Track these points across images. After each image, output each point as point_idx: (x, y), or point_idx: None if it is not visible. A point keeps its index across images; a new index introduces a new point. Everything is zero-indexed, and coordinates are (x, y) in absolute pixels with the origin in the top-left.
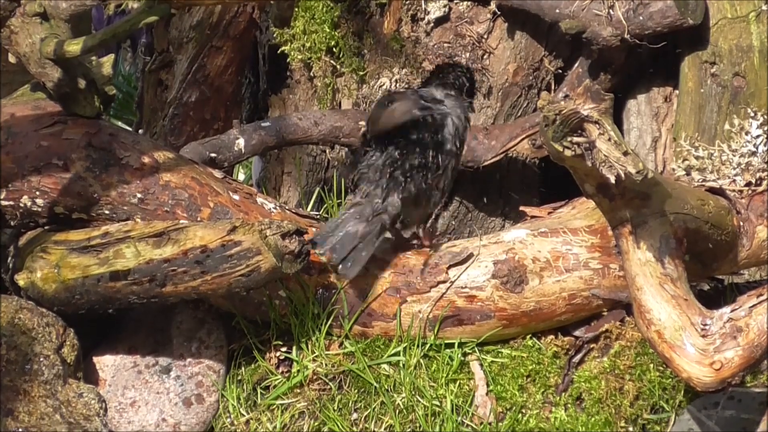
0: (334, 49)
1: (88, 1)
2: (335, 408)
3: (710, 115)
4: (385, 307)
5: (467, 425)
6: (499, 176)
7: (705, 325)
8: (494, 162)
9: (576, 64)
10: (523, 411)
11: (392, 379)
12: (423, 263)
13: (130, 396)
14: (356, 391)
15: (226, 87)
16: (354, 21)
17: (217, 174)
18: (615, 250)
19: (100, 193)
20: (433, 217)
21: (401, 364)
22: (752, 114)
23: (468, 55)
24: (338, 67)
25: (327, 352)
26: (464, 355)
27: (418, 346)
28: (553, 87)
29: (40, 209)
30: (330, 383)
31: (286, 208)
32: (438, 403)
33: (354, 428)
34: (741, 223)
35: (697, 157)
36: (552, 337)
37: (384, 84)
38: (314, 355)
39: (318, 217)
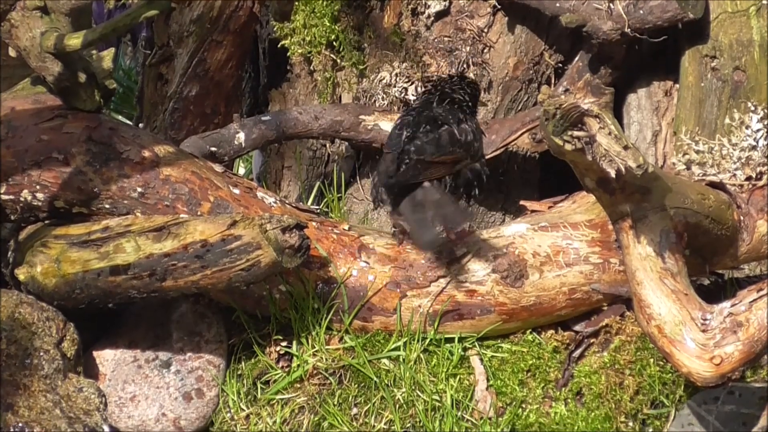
0: (334, 43)
1: None
2: (335, 403)
3: (710, 110)
4: (385, 301)
5: (467, 420)
6: (500, 171)
7: (705, 319)
8: (494, 156)
9: (576, 58)
10: (523, 406)
11: (392, 374)
12: (423, 257)
13: (130, 390)
14: (356, 385)
15: (227, 81)
16: (354, 15)
17: (218, 168)
18: (615, 245)
19: (101, 187)
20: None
21: (401, 359)
22: (752, 108)
23: (468, 49)
24: (338, 61)
25: (327, 347)
26: (464, 349)
27: (418, 340)
28: (553, 81)
29: (40, 203)
30: (330, 378)
31: (287, 202)
32: (438, 398)
33: (354, 423)
34: (741, 218)
35: (697, 152)
36: (552, 331)
37: (384, 78)
38: (314, 349)
39: (318, 211)
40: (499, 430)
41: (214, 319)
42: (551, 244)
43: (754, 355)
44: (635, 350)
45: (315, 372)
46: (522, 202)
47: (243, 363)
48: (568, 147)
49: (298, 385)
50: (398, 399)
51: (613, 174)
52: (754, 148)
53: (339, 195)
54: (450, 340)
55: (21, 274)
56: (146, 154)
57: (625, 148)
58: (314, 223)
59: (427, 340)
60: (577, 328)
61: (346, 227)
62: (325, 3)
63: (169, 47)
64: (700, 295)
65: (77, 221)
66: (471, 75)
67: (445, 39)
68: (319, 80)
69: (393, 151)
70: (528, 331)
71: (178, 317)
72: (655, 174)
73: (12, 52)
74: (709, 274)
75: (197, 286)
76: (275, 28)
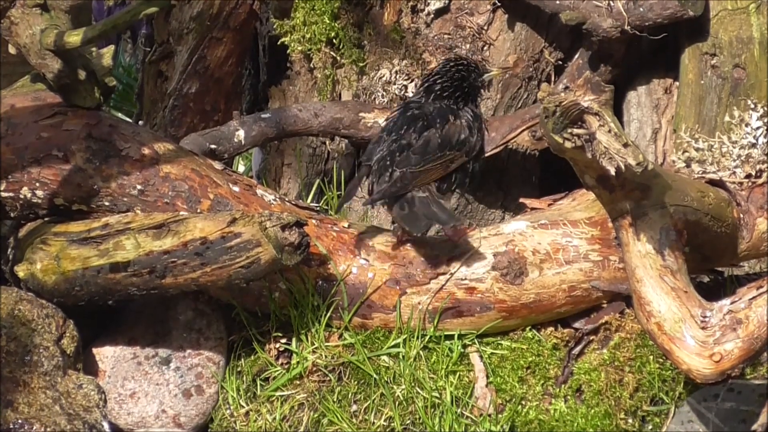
0: (334, 41)
1: None
2: (335, 399)
3: (710, 107)
4: (385, 298)
5: (467, 417)
6: (499, 168)
7: (705, 317)
8: (494, 154)
9: (576, 56)
10: (523, 403)
11: (392, 371)
12: (423, 255)
13: (129, 387)
14: (356, 382)
15: (227, 78)
16: (354, 12)
17: (217, 165)
18: (615, 242)
19: (100, 184)
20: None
21: (401, 356)
22: (752, 106)
23: (468, 46)
24: (338, 58)
25: (327, 344)
26: (464, 346)
27: (417, 337)
28: (553, 78)
29: (40, 201)
30: (330, 375)
31: (286, 199)
32: (438, 395)
33: (353, 420)
34: (741, 215)
35: (697, 149)
36: (552, 329)
37: (384, 75)
38: (314, 346)
39: (318, 208)
40: (498, 427)
41: (214, 317)
42: (551, 242)
43: (753, 353)
44: (635, 347)
45: (315, 369)
46: (522, 200)
47: (243, 360)
48: (568, 144)
49: (298, 382)
50: (398, 396)
51: (612, 171)
52: (753, 145)
53: (339, 192)
54: (450, 337)
55: (21, 271)
56: (146, 151)
57: (625, 145)
58: (314, 221)
59: (427, 337)
60: (576, 325)
61: (346, 225)
62: (325, 0)
63: (169, 44)
64: (699, 293)
65: (77, 218)
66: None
67: (445, 36)
68: (318, 77)
69: (365, 164)
70: (528, 329)
71: (177, 314)
72: (654, 171)
73: (12, 50)
74: (708, 271)
75: (197, 284)
76: (275, 26)
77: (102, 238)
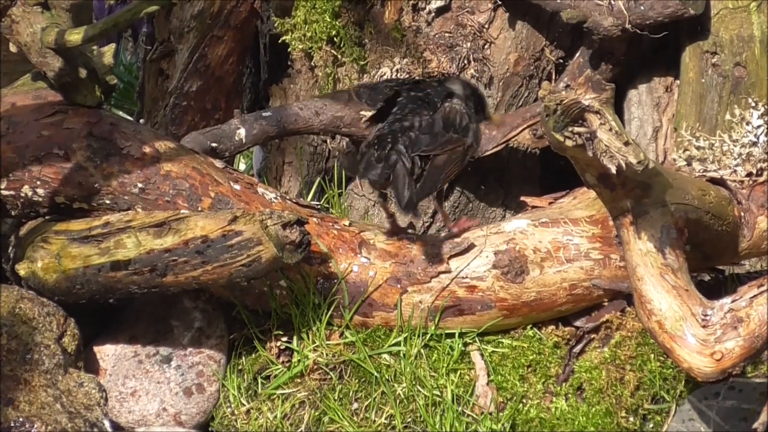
0: (335, 39)
1: None
2: (336, 398)
3: (711, 105)
4: (386, 297)
5: (468, 415)
6: (500, 166)
7: (706, 315)
8: (495, 152)
9: (577, 54)
10: (524, 401)
11: (393, 369)
12: (424, 253)
13: (130, 385)
14: (357, 380)
15: (227, 77)
16: (355, 10)
17: (218, 164)
18: (616, 241)
19: (101, 182)
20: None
21: (402, 354)
22: (753, 104)
23: (469, 45)
24: (339, 56)
25: (328, 342)
26: (465, 345)
27: (418, 336)
28: (554, 77)
29: (40, 199)
30: (331, 373)
31: (287, 198)
32: (438, 393)
33: (354, 418)
34: (742, 214)
35: (698, 148)
36: (553, 327)
37: (385, 74)
38: (315, 345)
39: (319, 207)
40: (499, 425)
41: (215, 315)
42: (552, 240)
43: (754, 351)
44: (636, 346)
45: (315, 367)
46: (523, 198)
47: (244, 358)
48: (569, 143)
49: (299, 380)
50: (399, 394)
51: (613, 170)
52: (754, 144)
53: (340, 191)
54: (451, 336)
55: (22, 269)
56: (147, 149)
57: (626, 144)
58: (315, 219)
59: (428, 336)
60: (577, 323)
61: (347, 223)
62: None
63: (170, 43)
64: (700, 291)
65: (78, 217)
66: (470, 71)
67: (446, 35)
68: (320, 76)
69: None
70: (528, 327)
71: (178, 312)
72: (655, 170)
73: (13, 48)
74: (709, 270)
75: (198, 282)
76: (276, 24)
77: (103, 236)
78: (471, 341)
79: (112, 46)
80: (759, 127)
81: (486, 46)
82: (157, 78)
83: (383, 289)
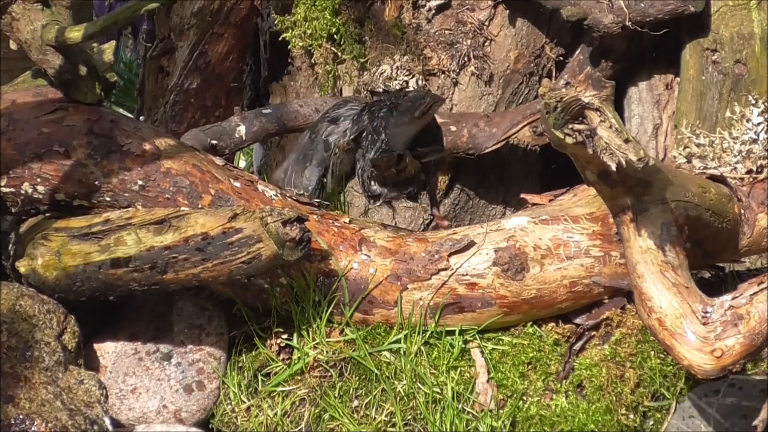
0: (335, 36)
1: None
2: (336, 395)
3: (711, 103)
4: (386, 294)
5: (468, 412)
6: (500, 163)
7: (706, 312)
8: (495, 149)
9: (577, 52)
10: (524, 398)
11: (393, 367)
12: (424, 251)
13: (130, 383)
14: (357, 378)
15: (228, 74)
16: (355, 8)
17: (218, 161)
18: (616, 238)
19: (102, 180)
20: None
21: (402, 352)
22: (753, 101)
23: (469, 42)
24: (339, 54)
25: (328, 339)
26: (465, 342)
27: (418, 333)
28: (554, 74)
29: (41, 196)
30: (331, 370)
31: (287, 195)
32: (439, 391)
33: (355, 415)
34: (742, 211)
35: (698, 145)
36: (553, 324)
37: (385, 71)
38: (315, 342)
39: (319, 204)
40: (500, 422)
41: (215, 312)
42: (552, 237)
43: (755, 348)
44: (636, 343)
45: (316, 364)
46: (523, 195)
47: (244, 355)
48: (569, 140)
49: (299, 378)
50: (399, 391)
51: (614, 167)
52: (754, 141)
53: (340, 188)
54: (451, 333)
55: (22, 266)
56: (147, 146)
57: (626, 141)
58: (315, 216)
59: (428, 333)
60: (577, 320)
61: (347, 220)
62: None
63: (170, 40)
64: (700, 288)
65: (78, 214)
66: (470, 68)
67: (446, 32)
68: (320, 73)
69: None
70: (529, 324)
71: (179, 310)
72: (656, 167)
73: (13, 45)
74: (709, 267)
75: (198, 279)
76: (276, 21)
77: (103, 233)
78: (471, 338)
79: (113, 43)
80: (759, 124)
81: (486, 44)
82: (158, 75)
83: (383, 287)
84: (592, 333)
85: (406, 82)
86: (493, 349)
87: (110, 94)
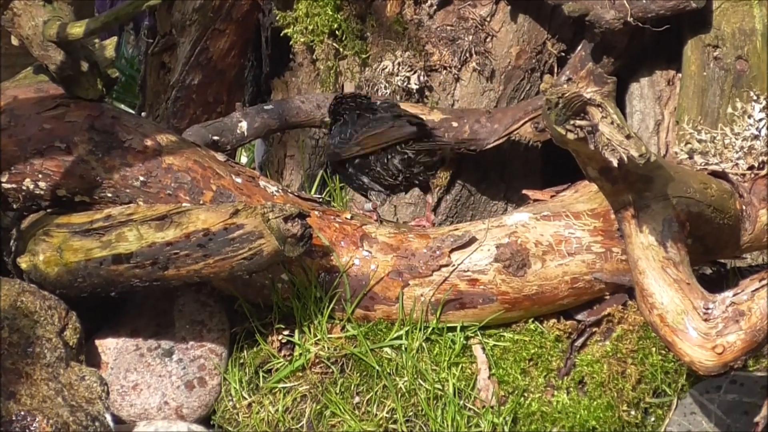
0: (336, 32)
1: None
2: (337, 391)
3: (713, 99)
4: (388, 290)
5: (469, 409)
6: (502, 159)
7: (707, 309)
8: (497, 145)
9: (579, 48)
10: (526, 395)
11: (394, 363)
12: (425, 247)
13: (132, 379)
14: (358, 374)
15: (229, 70)
16: (356, 3)
17: (220, 157)
18: (617, 234)
19: (103, 176)
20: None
21: (403, 348)
22: (755, 97)
23: (471, 38)
24: (341, 50)
25: (329, 336)
26: (466, 338)
27: (420, 329)
28: (555, 70)
29: (42, 192)
30: (332, 367)
31: (289, 191)
32: (440, 387)
33: (356, 411)
34: (743, 207)
35: (699, 141)
36: (554, 320)
37: (387, 67)
38: (316, 338)
39: (320, 200)
40: (501, 418)
41: (217, 308)
42: (553, 234)
43: (756, 345)
44: (637, 339)
45: (317, 361)
46: (524, 192)
47: (245, 352)
48: (571, 136)
49: (300, 374)
50: (400, 388)
51: (615, 163)
52: (756, 137)
53: (341, 184)
54: (452, 329)
55: (23, 262)
56: (149, 143)
57: (628, 137)
58: (316, 212)
59: (430, 329)
60: (579, 317)
61: (349, 216)
62: None
63: (172, 36)
64: (702, 285)
65: (79, 210)
66: (471, 64)
67: (448, 28)
68: (321, 69)
69: None
70: (530, 320)
71: (180, 306)
72: (657, 163)
73: (14, 41)
74: (711, 263)
75: (199, 275)
76: (278, 17)
77: (104, 229)
78: (472, 335)
79: (114, 39)
80: (761, 120)
81: (488, 40)
82: (159, 71)
83: (385, 283)
84: (594, 329)
85: (408, 77)
86: (494, 345)
87: (112, 91)
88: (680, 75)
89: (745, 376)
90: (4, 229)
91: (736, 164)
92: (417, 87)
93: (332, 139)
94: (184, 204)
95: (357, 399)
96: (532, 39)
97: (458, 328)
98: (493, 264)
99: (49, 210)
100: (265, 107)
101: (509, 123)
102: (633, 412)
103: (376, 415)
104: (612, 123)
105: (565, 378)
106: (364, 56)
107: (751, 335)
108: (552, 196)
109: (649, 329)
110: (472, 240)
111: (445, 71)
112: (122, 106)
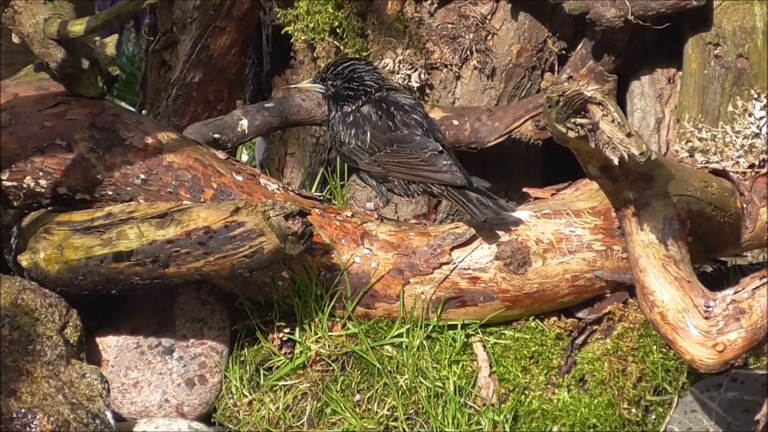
0: (337, 30)
1: None
2: (338, 389)
3: (714, 97)
4: (388, 288)
5: (470, 406)
6: (503, 157)
7: (708, 307)
8: (497, 143)
9: (579, 46)
10: (526, 392)
11: (395, 361)
12: (426, 245)
13: (132, 377)
14: (359, 372)
15: (230, 68)
16: (357, 1)
17: (221, 155)
18: (618, 232)
19: (104, 173)
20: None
21: (404, 346)
22: (756, 96)
23: (471, 36)
24: (342, 47)
25: (330, 334)
26: (467, 336)
27: (421, 327)
28: (556, 68)
29: (43, 190)
30: (333, 364)
31: (290, 189)
32: (441, 385)
33: (357, 409)
34: (744, 205)
35: (700, 139)
36: (555, 318)
37: (387, 65)
38: (317, 336)
39: (321, 198)
40: (501, 416)
41: (217, 306)
42: (554, 231)
43: (756, 342)
44: (638, 337)
45: (318, 358)
46: (525, 189)
47: (246, 349)
48: (572, 134)
49: (301, 372)
50: (401, 385)
51: (616, 161)
52: (757, 135)
53: (342, 182)
54: (453, 327)
55: (24, 260)
56: (149, 140)
57: (628, 135)
58: (317, 210)
59: (430, 327)
60: (579, 315)
61: (350, 214)
62: None
63: (173, 33)
64: (703, 283)
65: (80, 208)
66: (472, 62)
67: (449, 26)
68: (322, 67)
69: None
70: (531, 318)
71: (181, 304)
72: (658, 161)
73: (15, 39)
74: (712, 261)
75: (200, 273)
76: (278, 15)
77: (105, 227)
78: (473, 333)
79: (115, 36)
80: (761, 118)
81: (488, 38)
82: (160, 69)
83: (385, 281)
84: (594, 327)
85: (409, 75)
86: (495, 343)
87: (112, 88)
88: (681, 73)
89: (746, 374)
90: (4, 226)
91: (737, 162)
92: (418, 85)
93: (341, 135)
94: (184, 202)
95: (358, 397)
96: (532, 37)
97: (459, 326)
98: (493, 262)
99: (49, 208)
100: (266, 105)
101: (510, 121)
102: (634, 410)
103: (377, 412)
104: (613, 121)
105: (566, 376)
106: (364, 54)
107: (751, 333)
108: (553, 194)
109: (650, 327)
110: (473, 238)
111: (445, 69)
112: (123, 104)
